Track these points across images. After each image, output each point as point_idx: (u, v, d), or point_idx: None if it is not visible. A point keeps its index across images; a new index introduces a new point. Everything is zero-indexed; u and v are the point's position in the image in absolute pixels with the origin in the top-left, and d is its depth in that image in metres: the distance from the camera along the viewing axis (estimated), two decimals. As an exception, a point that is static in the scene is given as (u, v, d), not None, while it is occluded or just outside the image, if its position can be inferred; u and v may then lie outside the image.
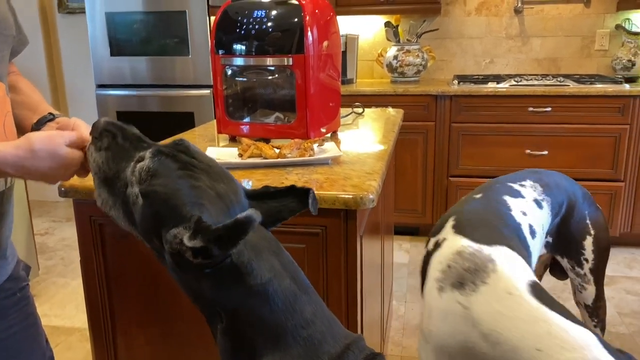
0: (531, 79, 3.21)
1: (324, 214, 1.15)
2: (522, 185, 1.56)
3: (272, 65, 1.61)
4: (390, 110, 2.40)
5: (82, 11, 3.90)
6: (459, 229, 1.29)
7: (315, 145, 1.45)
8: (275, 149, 1.42)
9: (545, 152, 3.10)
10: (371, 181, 1.22)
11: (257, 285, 0.72)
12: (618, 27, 3.44)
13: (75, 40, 4.10)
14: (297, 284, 0.76)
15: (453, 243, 1.25)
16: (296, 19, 1.56)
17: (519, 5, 3.51)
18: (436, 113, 3.19)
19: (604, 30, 3.50)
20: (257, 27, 1.59)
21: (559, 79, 3.15)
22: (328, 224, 1.18)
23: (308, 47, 1.54)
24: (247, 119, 1.73)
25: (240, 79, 1.72)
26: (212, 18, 3.36)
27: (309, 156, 1.39)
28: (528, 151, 3.12)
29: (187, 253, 0.68)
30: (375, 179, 1.24)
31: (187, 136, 1.85)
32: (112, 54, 3.50)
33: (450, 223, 1.34)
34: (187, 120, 3.46)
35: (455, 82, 3.26)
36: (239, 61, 1.64)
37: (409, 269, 3.06)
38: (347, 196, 1.13)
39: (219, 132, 1.73)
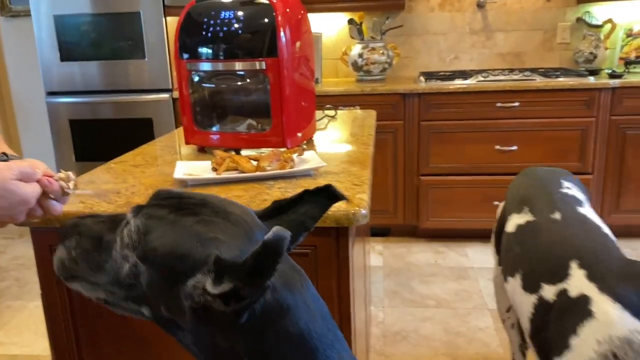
0: (497, 74, 3.18)
1: (313, 233, 1.05)
2: (568, 188, 1.50)
3: (242, 70, 1.50)
4: (361, 111, 2.32)
5: (27, 14, 3.67)
6: (603, 286, 1.07)
7: (294, 156, 1.35)
8: (253, 161, 1.31)
9: (515, 148, 3.08)
10: (361, 194, 1.13)
11: (294, 328, 0.64)
12: (579, 20, 3.45)
13: (21, 46, 3.86)
14: (328, 325, 0.68)
15: (608, 317, 1.02)
16: (267, 20, 1.45)
17: (482, -1, 3.49)
18: (405, 112, 3.13)
19: (565, 23, 3.51)
20: (224, 29, 1.47)
21: (525, 74, 3.14)
22: (318, 244, 1.08)
23: (281, 49, 1.44)
24: (216, 128, 1.61)
25: (208, 84, 1.60)
26: (169, 19, 3.20)
27: (290, 168, 1.29)
28: (497, 147, 3.09)
29: (214, 303, 0.59)
30: (365, 191, 1.15)
31: (150, 148, 1.72)
32: (62, 59, 3.30)
33: (581, 272, 1.13)
34: (145, 127, 3.30)
35: (422, 79, 3.21)
36: (206, 66, 1.52)
37: (384, 272, 2.99)
38: (338, 213, 1.04)
39: (187, 142, 1.61)
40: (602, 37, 3.37)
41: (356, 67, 3.48)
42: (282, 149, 1.35)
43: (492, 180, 3.13)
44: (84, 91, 3.33)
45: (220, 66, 1.50)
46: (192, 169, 1.33)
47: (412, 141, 3.16)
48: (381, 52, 3.42)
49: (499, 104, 3.05)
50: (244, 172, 1.28)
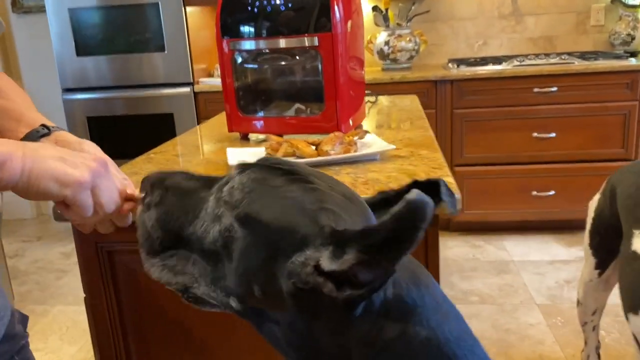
0: (531, 59, 3.04)
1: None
2: None
3: (292, 48, 1.37)
4: (400, 97, 2.18)
5: (39, 10, 3.57)
6: None
7: (355, 139, 1.22)
8: (312, 146, 1.18)
9: (553, 135, 2.94)
10: (446, 177, 1.00)
11: (424, 330, 0.52)
12: (614, 0, 3.30)
13: (34, 42, 3.75)
14: (463, 326, 0.56)
15: None
16: (319, -8, 1.32)
17: (511, -18, 3.35)
18: (437, 100, 2.99)
19: (599, 4, 3.37)
20: (271, 3, 1.35)
21: (562, 57, 2.99)
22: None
23: (335, 25, 1.31)
24: (261, 114, 1.49)
25: (252, 66, 1.47)
26: (188, 9, 3.08)
27: (354, 152, 1.16)
28: (535, 134, 2.95)
29: (325, 286, 0.48)
30: (448, 174, 1.02)
31: (188, 137, 1.60)
32: (78, 54, 3.19)
33: None
34: (166, 123, 3.18)
35: (455, 65, 3.07)
36: (250, 45, 1.39)
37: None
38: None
39: (230, 130, 1.48)
40: (639, 17, 3.22)
41: (382, 55, 3.34)
42: (337, 134, 1.22)
43: (530, 170, 2.99)
44: (101, 87, 3.21)
45: (266, 44, 1.37)
46: (245, 156, 1.21)
47: (445, 130, 3.02)
48: (408, 39, 3.29)
49: (536, 89, 2.91)
50: (303, 157, 1.15)
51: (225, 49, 1.42)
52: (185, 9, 3.05)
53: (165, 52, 3.11)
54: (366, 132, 1.22)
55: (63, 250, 3.42)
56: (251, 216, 0.54)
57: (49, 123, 0.83)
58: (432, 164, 1.10)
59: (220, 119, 1.91)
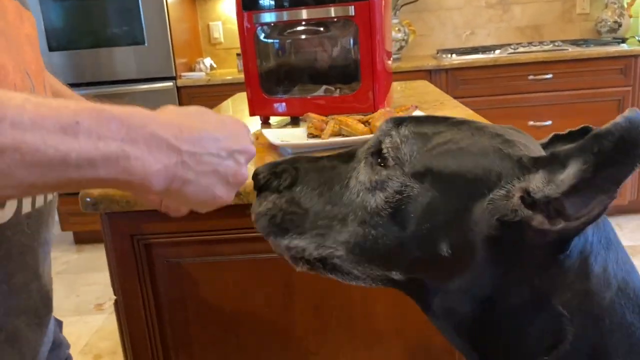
0: (525, 46, 3.01)
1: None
2: None
3: (324, 19, 1.25)
4: (408, 82, 2.09)
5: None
6: None
7: (403, 116, 1.12)
8: (361, 124, 1.07)
9: (549, 122, 2.91)
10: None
11: (619, 274, 0.48)
12: (599, -12, 3.31)
13: None
14: None
15: None
16: (353, -42, 1.21)
17: (498, -29, 3.32)
18: (431, 89, 2.92)
19: (584, -7, 3.37)
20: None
21: (556, 44, 2.97)
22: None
23: (373, -7, 1.20)
24: (285, 96, 1.37)
25: (276, 42, 1.35)
26: (169, 0, 2.92)
27: (408, 128, 1.06)
28: (531, 122, 2.92)
29: (534, 219, 0.43)
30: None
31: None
32: (50, 49, 2.98)
33: None
34: (148, 120, 3.00)
35: (447, 55, 3.01)
36: (277, 17, 1.27)
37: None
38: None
39: (252, 114, 1.35)
40: (625, 4, 3.23)
41: (371, 46, 3.25)
42: (388, 109, 1.12)
43: (527, 158, 2.95)
44: (77, 83, 3.01)
45: (296, 15, 1.25)
46: (284, 136, 1.09)
47: (441, 121, 2.95)
48: (397, 29, 3.21)
49: (531, 77, 2.87)
50: (352, 136, 1.04)
51: (247, 25, 1.29)
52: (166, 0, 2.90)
53: (146, 45, 2.94)
54: (416, 107, 1.12)
55: (38, 260, 3.19)
56: (432, 168, 0.48)
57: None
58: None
59: (221, 109, 1.78)
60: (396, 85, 1.96)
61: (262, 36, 1.31)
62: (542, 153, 0.49)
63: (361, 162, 0.53)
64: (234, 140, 0.54)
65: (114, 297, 0.94)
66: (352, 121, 1.05)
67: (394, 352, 0.91)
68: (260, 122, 1.38)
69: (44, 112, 0.40)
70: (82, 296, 2.66)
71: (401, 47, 3.24)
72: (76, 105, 0.44)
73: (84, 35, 2.97)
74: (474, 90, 2.90)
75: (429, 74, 2.90)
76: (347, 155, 0.56)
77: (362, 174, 0.52)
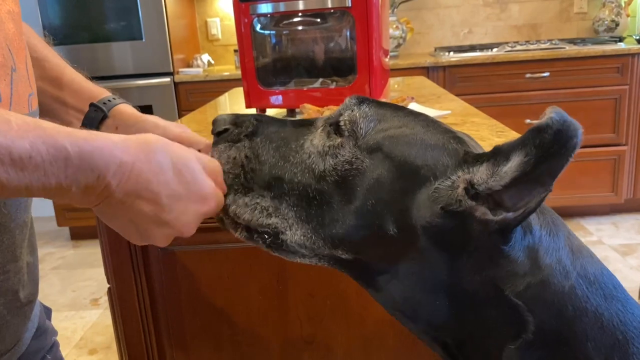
0: (523, 44, 3.01)
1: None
2: None
3: (321, 10, 1.25)
4: (403, 78, 2.10)
5: (2, -2, 3.33)
6: None
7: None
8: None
9: (546, 121, 2.91)
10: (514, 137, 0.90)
11: (577, 263, 0.49)
12: (597, -13, 3.32)
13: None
14: (604, 266, 0.51)
15: None
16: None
17: (496, -31, 3.32)
18: (429, 87, 2.92)
19: (582, -8, 3.38)
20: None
21: (553, 42, 2.97)
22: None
23: (369, -15, 1.20)
24: (282, 88, 1.37)
25: (273, 34, 1.35)
26: (167, -5, 2.92)
27: (404, 119, 1.06)
28: (528, 120, 2.92)
29: (477, 209, 0.45)
30: (514, 133, 0.93)
31: (199, 115, 1.46)
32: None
33: None
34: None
35: (445, 53, 3.01)
36: (274, 7, 1.27)
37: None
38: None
39: (248, 106, 1.35)
40: (622, 3, 3.24)
41: (369, 43, 3.26)
42: (385, 99, 1.12)
43: (523, 156, 2.95)
44: (74, 78, 3.00)
45: (293, 6, 1.25)
46: (280, 127, 1.09)
47: (438, 118, 2.96)
48: (395, 26, 3.21)
49: (528, 75, 2.88)
50: (348, 127, 1.04)
51: (244, 16, 1.29)
52: (164, -6, 2.89)
53: (143, 40, 2.94)
54: (412, 98, 1.12)
55: (34, 255, 3.18)
56: (383, 145, 0.50)
57: (96, 93, 0.72)
58: (495, 128, 1.01)
59: (216, 104, 1.78)
60: (393, 82, 1.96)
61: (258, 27, 1.31)
62: None
63: (318, 129, 0.55)
64: (176, 214, 0.52)
65: (108, 286, 0.94)
66: (347, 112, 1.05)
67: (387, 340, 0.91)
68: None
69: (0, 140, 0.42)
70: (78, 291, 2.65)
71: (399, 45, 3.25)
72: (36, 135, 0.44)
73: (82, 30, 2.96)
74: (472, 88, 2.91)
75: (427, 71, 2.90)
76: (308, 123, 0.58)
77: (317, 138, 0.54)
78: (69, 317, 2.43)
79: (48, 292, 2.71)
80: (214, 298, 0.92)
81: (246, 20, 1.29)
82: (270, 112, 1.38)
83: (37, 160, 0.43)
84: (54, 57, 0.78)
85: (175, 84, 2.99)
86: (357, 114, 0.52)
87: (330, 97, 1.31)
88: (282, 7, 1.27)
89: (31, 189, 0.45)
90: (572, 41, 3.03)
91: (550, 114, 0.40)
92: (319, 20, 1.29)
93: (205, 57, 3.26)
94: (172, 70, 2.98)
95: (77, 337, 2.27)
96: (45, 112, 0.74)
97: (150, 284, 0.92)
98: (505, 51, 2.92)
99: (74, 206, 0.86)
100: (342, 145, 0.51)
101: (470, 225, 0.45)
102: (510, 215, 0.44)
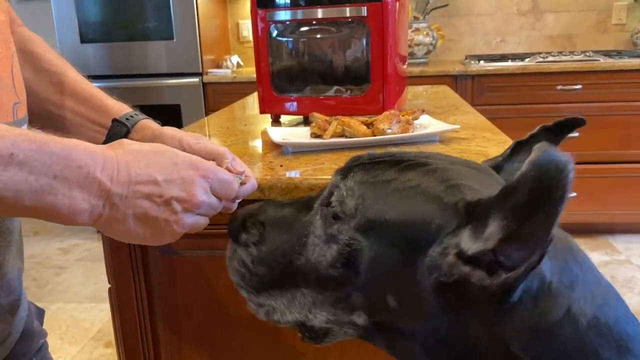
0: (555, 55, 2.94)
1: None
2: None
3: (336, 19, 1.25)
4: (424, 87, 2.07)
5: (42, -5, 3.43)
6: None
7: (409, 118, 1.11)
8: (365, 125, 1.06)
9: (577, 134, 2.83)
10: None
11: (589, 311, 0.44)
12: (637, -1, 3.22)
13: (37, 30, 3.57)
14: (631, 317, 0.47)
15: None
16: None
17: (531, -22, 3.26)
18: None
19: (621, 2, 3.28)
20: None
21: (587, 54, 2.90)
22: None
23: (386, -6, 1.20)
24: (296, 95, 1.37)
25: (289, 41, 1.35)
26: (199, -4, 2.96)
27: (412, 132, 1.05)
28: (558, 133, 2.85)
29: (473, 275, 0.41)
30: (528, 156, 0.91)
31: (214, 119, 1.48)
32: (82, 41, 3.05)
33: None
34: (173, 114, 3.05)
35: (475, 61, 2.97)
36: (290, 15, 1.27)
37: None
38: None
39: (262, 111, 1.36)
40: (663, 16, 3.14)
41: (398, 50, 3.23)
42: (393, 111, 1.11)
43: (551, 170, 2.89)
44: (105, 75, 3.07)
45: (308, 14, 1.25)
46: (287, 135, 1.09)
47: (464, 128, 2.92)
48: (426, 32, 3.18)
49: (559, 87, 2.81)
50: (355, 137, 1.03)
51: (260, 22, 1.30)
52: (196, -5, 2.93)
53: (174, 40, 2.99)
54: (423, 111, 1.11)
55: (61, 246, 3.27)
56: (373, 221, 0.48)
57: (117, 109, 0.73)
58: (505, 145, 0.98)
59: (239, 106, 1.79)
60: (415, 91, 1.95)
61: (274, 34, 1.32)
62: (492, 194, 0.47)
63: (317, 215, 0.54)
64: (177, 186, 0.53)
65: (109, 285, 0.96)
66: (354, 122, 1.04)
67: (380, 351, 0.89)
68: (271, 120, 1.39)
69: None
70: (100, 284, 2.71)
71: (428, 52, 3.21)
72: (18, 134, 0.44)
73: (114, 29, 3.02)
74: (500, 98, 2.86)
75: (455, 80, 2.87)
76: (306, 206, 0.57)
77: (317, 228, 0.53)
78: (88, 309, 2.49)
79: (71, 283, 2.77)
80: (210, 303, 0.93)
81: (263, 26, 1.30)
82: (284, 118, 1.39)
83: (20, 157, 0.43)
84: (72, 72, 0.79)
85: (204, 84, 3.03)
86: (344, 193, 0.51)
87: (345, 106, 1.30)
88: (299, 14, 1.27)
89: (21, 194, 0.44)
90: (607, 53, 2.94)
91: (527, 164, 0.35)
92: (334, 29, 1.29)
93: (235, 59, 3.29)
94: (201, 70, 3.02)
95: (95, 329, 2.32)
96: (66, 127, 0.76)
97: (148, 286, 0.93)
98: (537, 62, 2.86)
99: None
100: (339, 230, 0.50)
101: (468, 289, 0.42)
102: (512, 274, 0.40)
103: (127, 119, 0.75)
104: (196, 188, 0.55)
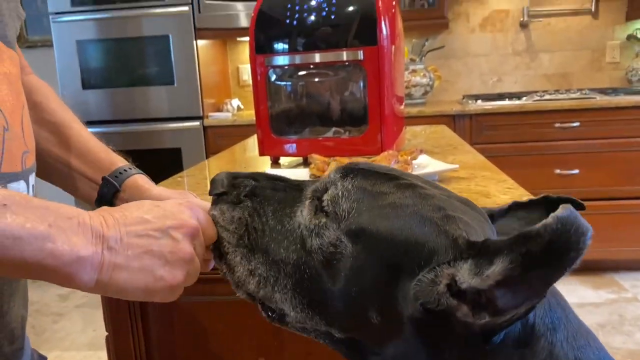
0: (552, 93, 2.98)
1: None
2: None
3: (333, 63, 1.27)
4: (423, 127, 2.09)
5: (44, 44, 3.49)
6: None
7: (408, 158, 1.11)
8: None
9: (576, 171, 2.85)
10: (524, 196, 0.88)
11: (570, 355, 0.44)
12: (630, 37, 3.28)
13: (40, 77, 3.65)
14: (602, 348, 0.47)
15: None
16: (364, 4, 1.23)
17: (525, 19, 3.32)
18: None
19: (614, 41, 3.34)
20: (309, 16, 1.25)
21: (584, 92, 2.93)
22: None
23: (382, 39, 1.22)
24: (295, 137, 1.37)
25: (287, 85, 1.37)
26: (200, 42, 3.01)
27: (411, 171, 1.04)
28: (558, 171, 2.86)
29: (459, 310, 0.41)
30: (529, 195, 0.90)
31: (215, 162, 1.48)
32: (84, 87, 3.09)
33: None
34: (174, 157, 3.06)
35: (472, 101, 3.00)
36: (289, 60, 1.29)
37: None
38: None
39: (261, 153, 1.36)
40: (656, 54, 3.19)
41: (396, 91, 3.27)
42: (391, 152, 1.11)
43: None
44: (107, 120, 3.11)
45: (306, 59, 1.27)
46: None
47: (464, 166, 2.92)
48: (422, 74, 3.23)
49: (557, 125, 2.83)
50: (354, 179, 1.03)
51: (259, 67, 1.31)
52: (196, 42, 2.99)
53: (175, 85, 3.03)
54: (421, 151, 1.11)
55: (59, 293, 3.22)
56: (365, 230, 0.46)
57: (108, 164, 0.73)
58: (505, 185, 0.98)
59: (240, 148, 1.80)
60: (413, 131, 1.96)
61: (273, 78, 1.33)
62: (486, 234, 0.46)
63: (307, 200, 0.53)
64: (167, 218, 0.52)
65: (106, 333, 0.94)
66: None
67: None
68: (271, 162, 1.39)
69: None
70: (99, 330, 2.66)
71: (426, 92, 3.25)
72: (4, 193, 0.44)
73: (115, 75, 3.07)
74: (499, 137, 2.87)
75: (453, 120, 2.89)
76: (299, 187, 0.56)
77: (305, 211, 0.52)
78: (87, 357, 2.44)
79: (70, 330, 2.73)
80: (208, 350, 0.91)
81: (262, 71, 1.31)
82: (284, 160, 1.39)
83: (13, 209, 0.43)
84: (74, 122, 0.79)
85: (205, 128, 3.05)
86: (340, 192, 0.49)
87: (343, 147, 1.31)
88: (297, 59, 1.29)
89: (20, 241, 0.42)
90: (603, 91, 2.98)
91: (551, 217, 0.35)
92: (332, 72, 1.31)
93: (235, 102, 3.33)
94: (202, 114, 3.05)
95: (93, 378, 2.27)
96: (62, 179, 0.75)
97: (146, 334, 0.91)
98: (534, 100, 2.89)
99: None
100: (326, 226, 0.49)
101: (452, 322, 0.42)
102: (496, 319, 0.40)
103: (116, 176, 0.73)
104: (186, 214, 0.54)
